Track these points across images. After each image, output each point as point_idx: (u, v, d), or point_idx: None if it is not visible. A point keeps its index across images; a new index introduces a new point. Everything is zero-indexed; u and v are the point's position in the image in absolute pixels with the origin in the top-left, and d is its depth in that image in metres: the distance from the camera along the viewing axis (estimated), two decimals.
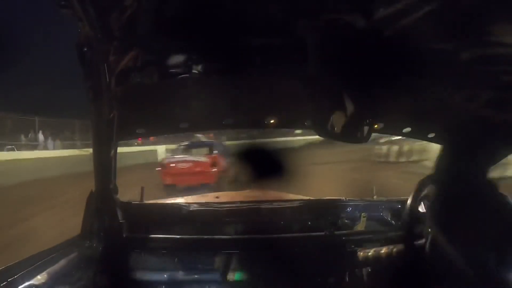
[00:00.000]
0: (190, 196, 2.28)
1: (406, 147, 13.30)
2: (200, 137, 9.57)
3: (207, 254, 1.36)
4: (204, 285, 1.35)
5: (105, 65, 0.76)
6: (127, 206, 1.37)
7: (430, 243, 1.10)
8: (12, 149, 11.81)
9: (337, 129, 0.83)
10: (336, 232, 1.42)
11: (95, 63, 0.74)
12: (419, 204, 1.18)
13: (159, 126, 1.33)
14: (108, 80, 0.81)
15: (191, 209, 1.49)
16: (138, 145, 15.79)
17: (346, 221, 1.54)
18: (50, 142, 13.93)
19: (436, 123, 1.34)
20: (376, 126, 1.00)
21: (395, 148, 13.75)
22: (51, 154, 12.37)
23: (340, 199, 1.73)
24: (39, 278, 0.88)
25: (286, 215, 1.55)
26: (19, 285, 0.82)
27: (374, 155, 14.01)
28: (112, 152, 1.07)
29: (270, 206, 1.58)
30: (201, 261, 1.36)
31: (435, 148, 1.35)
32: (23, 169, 9.73)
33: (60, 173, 10.09)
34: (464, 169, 1.48)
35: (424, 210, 1.44)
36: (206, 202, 1.66)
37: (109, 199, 1.18)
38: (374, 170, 10.05)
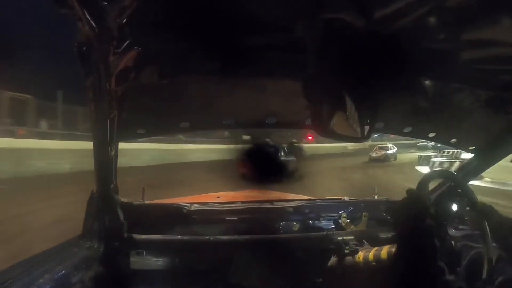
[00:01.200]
0: (190, 196, 2.28)
1: None
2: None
3: (208, 254, 1.36)
4: (205, 284, 1.35)
5: (105, 65, 0.75)
6: (128, 206, 1.37)
7: (431, 242, 1.10)
8: None
9: (337, 128, 0.83)
10: (337, 232, 1.41)
11: (94, 63, 0.73)
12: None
13: (160, 126, 1.33)
14: (108, 80, 0.81)
15: (192, 209, 1.49)
16: None
17: (347, 221, 1.54)
18: None
19: (436, 122, 1.34)
20: (376, 125, 0.99)
21: None
22: None
23: (341, 199, 1.73)
24: (40, 279, 0.88)
25: (286, 215, 1.55)
26: (20, 286, 0.83)
27: None
28: (113, 152, 1.07)
29: (271, 206, 1.58)
30: (202, 261, 1.36)
31: None
32: None
33: None
34: (464, 168, 1.48)
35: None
36: (207, 202, 1.66)
37: (110, 199, 1.18)
38: None
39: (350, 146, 22.22)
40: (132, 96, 0.98)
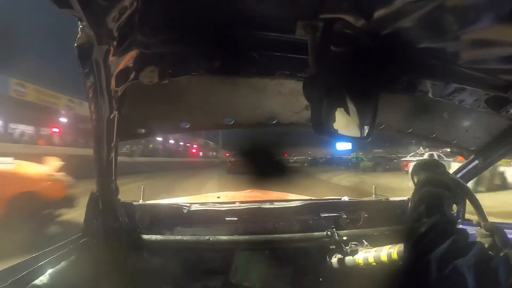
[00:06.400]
0: (191, 196, 2.29)
1: None
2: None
3: (209, 254, 1.36)
4: (205, 284, 1.35)
5: (105, 64, 0.75)
6: (128, 206, 1.37)
7: (432, 243, 1.10)
8: None
9: (338, 128, 0.83)
10: (337, 232, 1.42)
11: (95, 63, 0.73)
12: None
13: (160, 126, 1.33)
14: (108, 80, 0.81)
15: (192, 209, 1.49)
16: None
17: (346, 221, 1.54)
18: None
19: (437, 123, 1.34)
20: (376, 125, 0.99)
21: None
22: None
23: (341, 198, 1.73)
24: (41, 279, 0.88)
25: (287, 215, 1.55)
26: (21, 286, 0.83)
27: None
28: (113, 152, 1.08)
29: (271, 206, 1.58)
30: (203, 261, 1.36)
31: None
32: None
33: None
34: (465, 169, 1.48)
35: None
36: (207, 202, 1.66)
37: (110, 199, 1.18)
38: None
39: None
40: (132, 96, 0.98)
